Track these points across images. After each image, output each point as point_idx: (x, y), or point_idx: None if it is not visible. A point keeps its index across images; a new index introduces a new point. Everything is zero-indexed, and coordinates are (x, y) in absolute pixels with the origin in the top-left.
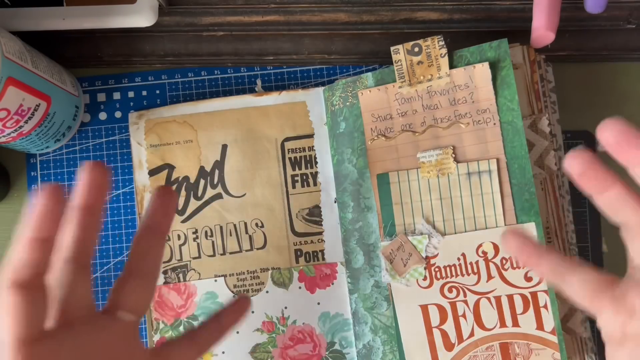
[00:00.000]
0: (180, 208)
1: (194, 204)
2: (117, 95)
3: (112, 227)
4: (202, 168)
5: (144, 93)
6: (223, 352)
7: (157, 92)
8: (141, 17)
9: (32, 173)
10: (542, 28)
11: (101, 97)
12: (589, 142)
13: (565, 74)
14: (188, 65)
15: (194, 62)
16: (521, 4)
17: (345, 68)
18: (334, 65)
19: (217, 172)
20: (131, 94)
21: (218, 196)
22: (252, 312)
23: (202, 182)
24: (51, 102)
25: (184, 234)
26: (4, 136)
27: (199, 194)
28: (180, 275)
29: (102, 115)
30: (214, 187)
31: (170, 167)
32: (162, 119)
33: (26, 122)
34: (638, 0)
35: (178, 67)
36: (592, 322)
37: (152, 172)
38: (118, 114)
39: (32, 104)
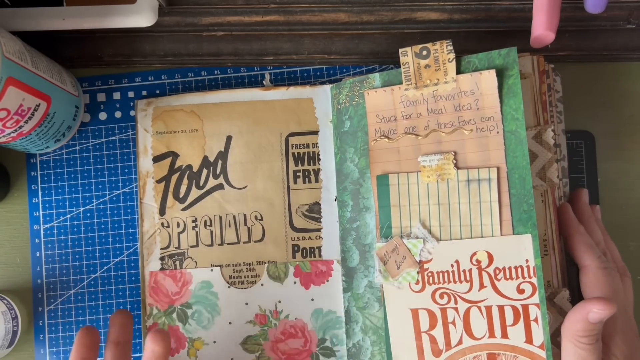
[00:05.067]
0: (181, 196)
1: (195, 193)
2: (117, 95)
3: (112, 227)
4: (205, 158)
5: (144, 93)
6: (215, 342)
7: (157, 92)
8: (141, 17)
9: (32, 173)
10: (542, 28)
11: (101, 97)
12: (589, 141)
13: (565, 74)
14: (188, 65)
15: (194, 62)
16: (521, 4)
17: (345, 68)
18: (334, 65)
19: (220, 162)
20: (131, 94)
21: (219, 187)
22: (246, 303)
23: (204, 171)
24: (51, 102)
25: (184, 222)
26: (4, 136)
27: (201, 183)
28: (177, 263)
29: (102, 115)
30: (216, 177)
31: (174, 155)
32: (170, 107)
33: (26, 122)
34: (638, 0)
35: (178, 67)
36: None
37: (156, 159)
38: (118, 114)
39: (32, 104)
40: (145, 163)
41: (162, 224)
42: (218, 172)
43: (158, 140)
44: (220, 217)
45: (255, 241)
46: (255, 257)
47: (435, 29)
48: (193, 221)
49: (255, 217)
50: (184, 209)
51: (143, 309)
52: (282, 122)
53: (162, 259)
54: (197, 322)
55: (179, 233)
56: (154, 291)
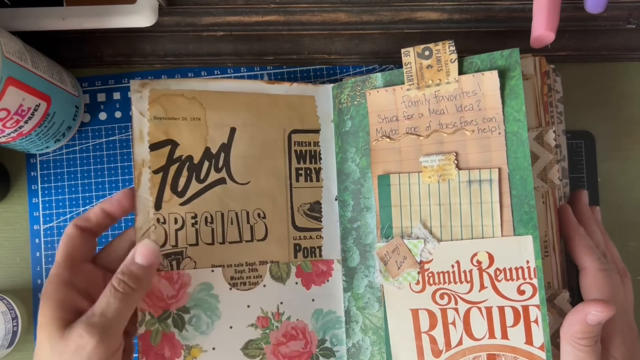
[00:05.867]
0: (180, 189)
1: (195, 187)
2: (117, 95)
3: (112, 227)
4: (207, 149)
5: None
6: (213, 349)
7: None
8: (141, 17)
9: (32, 173)
10: (542, 28)
11: (101, 97)
12: (589, 141)
13: (565, 74)
14: (188, 65)
15: (194, 62)
16: (521, 4)
17: (345, 68)
18: (334, 65)
19: (222, 155)
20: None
21: (221, 181)
22: (248, 306)
23: (206, 163)
24: (51, 102)
25: (182, 218)
26: (4, 136)
27: (202, 176)
28: (174, 263)
29: (102, 115)
30: (218, 170)
31: (174, 144)
32: (169, 90)
33: (26, 122)
34: (638, 0)
35: (178, 67)
36: None
37: (154, 147)
38: (118, 114)
39: (32, 104)
40: (141, 151)
41: (158, 220)
42: (220, 165)
43: (156, 126)
44: (222, 214)
45: (258, 240)
46: (257, 257)
47: (435, 29)
48: (193, 217)
49: (258, 215)
50: (182, 204)
51: (133, 315)
52: (285, 118)
53: None
54: (195, 327)
55: (176, 230)
56: (147, 295)
